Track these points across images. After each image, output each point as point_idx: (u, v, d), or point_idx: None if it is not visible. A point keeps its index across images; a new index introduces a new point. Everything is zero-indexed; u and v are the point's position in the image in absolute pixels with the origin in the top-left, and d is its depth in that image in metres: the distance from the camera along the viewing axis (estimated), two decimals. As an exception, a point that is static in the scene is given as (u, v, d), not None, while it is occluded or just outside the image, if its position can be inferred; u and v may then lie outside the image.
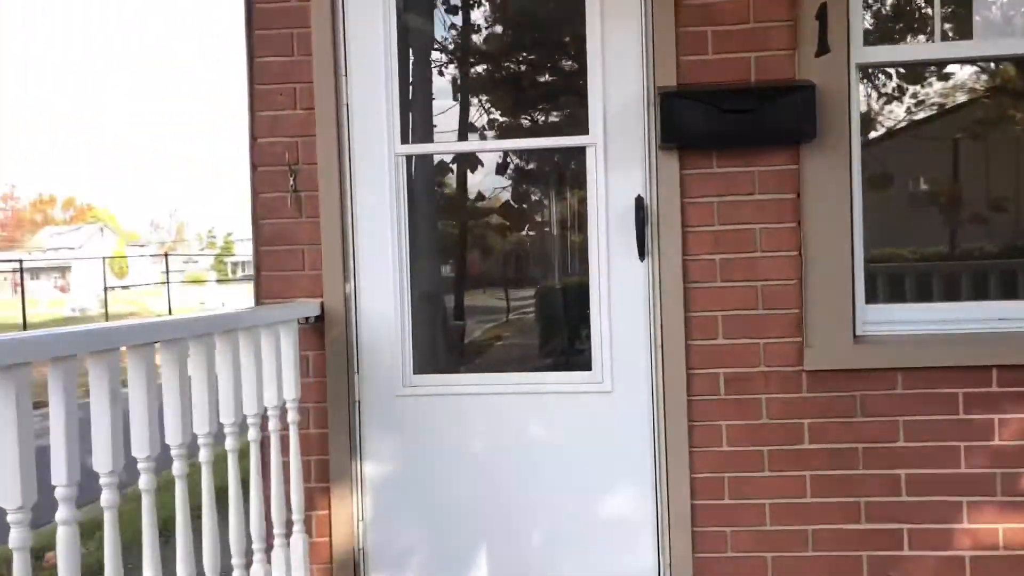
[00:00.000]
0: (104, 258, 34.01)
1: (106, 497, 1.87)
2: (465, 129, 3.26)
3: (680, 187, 2.90)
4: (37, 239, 71.81)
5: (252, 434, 2.56)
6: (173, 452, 2.15)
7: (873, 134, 3.11)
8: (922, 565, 2.86)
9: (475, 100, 3.33)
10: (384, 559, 3.10)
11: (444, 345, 3.38)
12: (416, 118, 3.27)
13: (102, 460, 1.86)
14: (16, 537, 1.59)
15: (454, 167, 3.33)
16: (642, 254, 2.94)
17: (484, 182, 3.28)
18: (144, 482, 2.00)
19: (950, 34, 3.09)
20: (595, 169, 3.00)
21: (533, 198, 3.40)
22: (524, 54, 3.38)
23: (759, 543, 2.91)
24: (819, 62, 2.84)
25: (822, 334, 2.88)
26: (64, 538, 1.72)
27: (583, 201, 3.04)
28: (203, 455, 2.28)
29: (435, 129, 3.30)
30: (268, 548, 2.69)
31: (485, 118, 3.31)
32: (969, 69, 3.14)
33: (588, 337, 3.04)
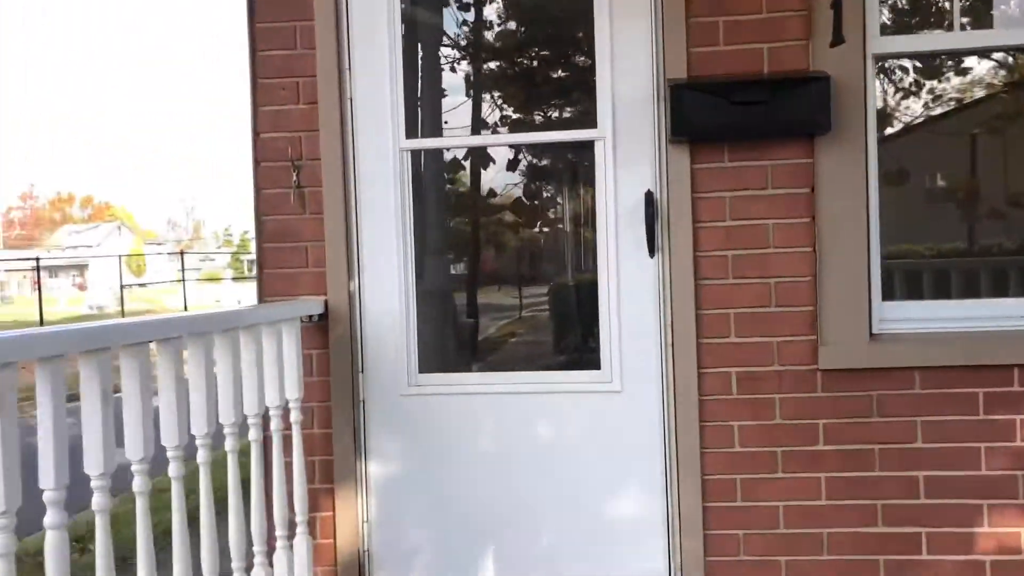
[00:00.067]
0: (120, 256, 34.18)
1: (97, 501, 1.83)
2: (477, 126, 3.20)
3: (691, 182, 2.83)
4: (56, 237, 72.41)
5: (253, 434, 2.52)
6: (169, 454, 2.10)
7: (889, 130, 3.03)
8: (941, 570, 2.79)
9: (485, 96, 3.27)
10: (390, 561, 3.05)
11: (450, 344, 3.32)
12: (425, 113, 3.21)
13: (93, 462, 1.81)
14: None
15: (467, 164, 3.27)
16: (652, 250, 2.88)
17: (496, 179, 3.22)
18: (138, 485, 1.96)
19: (968, 28, 3.00)
20: (604, 164, 2.94)
21: (544, 195, 3.33)
22: (534, 49, 3.32)
23: (772, 547, 2.84)
24: (834, 53, 2.76)
25: (837, 332, 2.80)
26: (53, 543, 1.68)
27: (594, 198, 2.97)
28: (201, 456, 2.24)
29: (446, 125, 3.24)
30: (271, 551, 2.64)
31: (496, 114, 3.25)
32: (987, 64, 3.06)
33: (598, 335, 2.98)
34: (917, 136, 3.16)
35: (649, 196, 2.86)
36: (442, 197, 3.34)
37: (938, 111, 3.11)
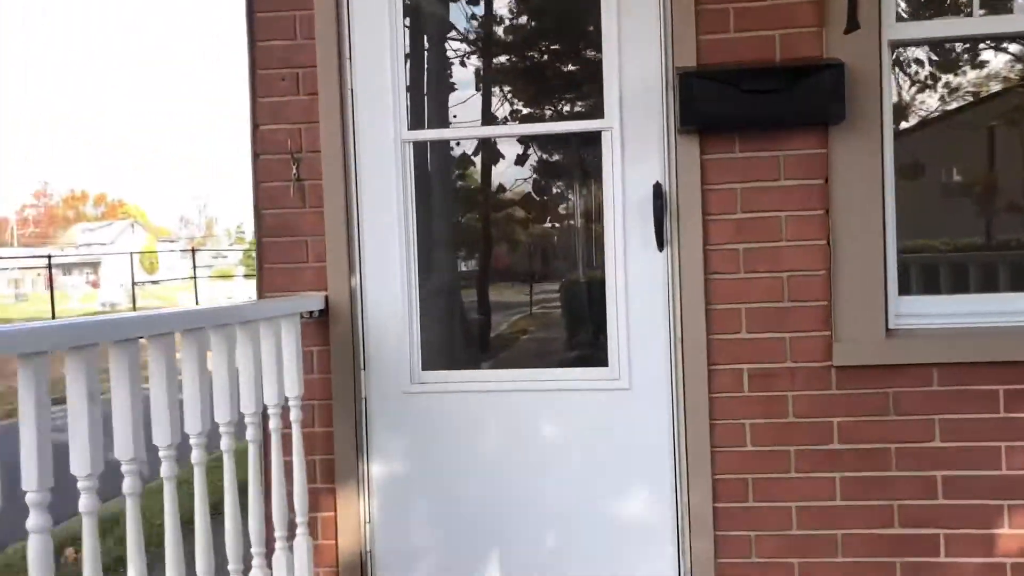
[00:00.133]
0: (132, 253, 34.29)
1: (84, 502, 1.76)
2: (487, 121, 3.12)
3: (701, 173, 2.75)
4: (69, 235, 72.80)
5: (250, 433, 2.46)
6: (161, 453, 2.04)
7: (904, 124, 2.94)
8: (960, 573, 2.70)
9: (494, 90, 3.19)
10: (392, 562, 2.99)
11: (454, 340, 3.25)
12: (431, 106, 3.15)
13: (79, 463, 1.75)
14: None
15: (476, 160, 3.19)
16: (661, 244, 2.80)
17: (505, 174, 3.15)
18: (127, 486, 1.90)
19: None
20: (611, 155, 2.86)
21: (554, 191, 3.26)
22: (543, 42, 3.23)
23: (785, 548, 2.76)
24: (848, 39, 2.68)
25: (852, 327, 2.72)
26: (36, 546, 1.62)
27: (602, 192, 2.90)
28: (195, 456, 2.18)
29: (454, 119, 3.16)
30: (270, 552, 2.59)
31: (505, 109, 3.16)
32: (1003, 57, 2.97)
33: (606, 332, 2.90)
34: (933, 129, 3.07)
35: (658, 188, 2.78)
36: (449, 192, 3.27)
37: (954, 105, 3.02)
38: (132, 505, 1.91)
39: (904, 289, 2.85)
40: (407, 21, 3.00)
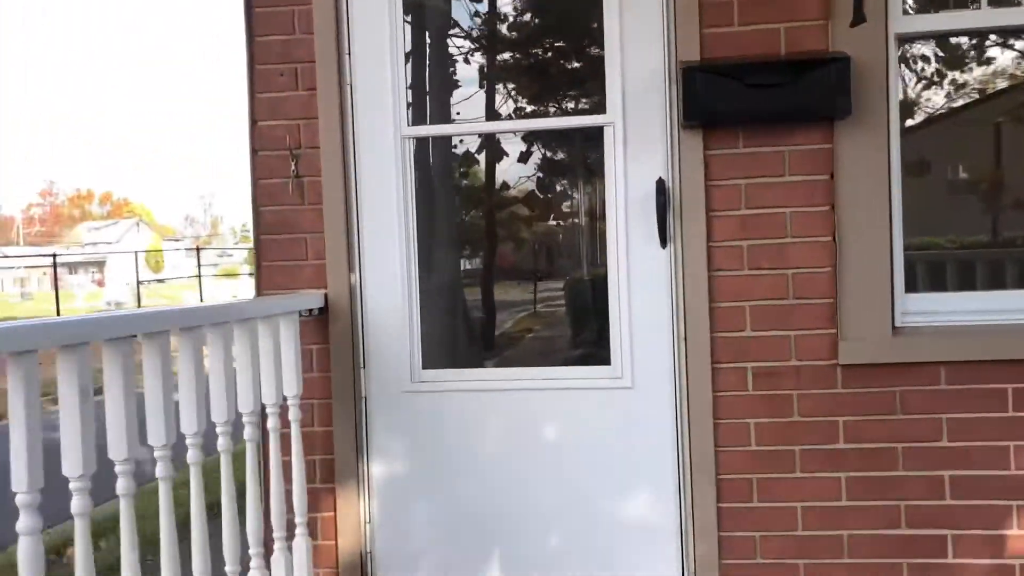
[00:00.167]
0: (137, 252, 34.32)
1: (77, 504, 1.74)
2: (491, 118, 3.08)
3: (704, 169, 2.71)
4: (75, 234, 72.94)
5: (248, 432, 2.43)
6: (156, 453, 2.02)
7: (910, 122, 2.90)
8: (968, 574, 2.66)
9: (497, 87, 3.15)
10: (393, 563, 2.96)
11: (454, 339, 3.21)
12: (433, 103, 3.11)
13: (71, 464, 1.72)
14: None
15: (479, 157, 3.15)
16: (664, 241, 2.76)
17: (509, 172, 3.11)
18: (121, 487, 1.87)
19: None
20: (613, 151, 2.82)
21: (558, 188, 3.22)
22: (545, 37, 3.19)
23: (790, 549, 2.73)
24: (854, 33, 2.63)
25: (858, 325, 2.68)
26: (26, 548, 1.59)
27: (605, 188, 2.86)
28: (191, 456, 2.15)
29: (458, 116, 3.12)
30: (269, 553, 2.56)
31: (509, 106, 3.12)
32: (1011, 54, 2.93)
33: (608, 330, 2.87)
34: (939, 127, 3.03)
35: (660, 184, 2.74)
36: (452, 189, 3.24)
37: (960, 102, 2.98)
38: (126, 506, 1.89)
39: (910, 287, 2.81)
40: (408, 17, 2.97)
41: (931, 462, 2.67)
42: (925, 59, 2.94)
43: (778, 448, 2.73)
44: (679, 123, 2.72)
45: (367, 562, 2.95)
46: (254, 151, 2.93)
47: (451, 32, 3.13)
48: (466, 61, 3.13)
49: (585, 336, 3.09)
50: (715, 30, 2.70)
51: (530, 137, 3.06)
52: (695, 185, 2.72)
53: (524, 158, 3.09)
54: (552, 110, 3.13)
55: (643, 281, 2.82)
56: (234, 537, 2.31)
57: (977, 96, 2.99)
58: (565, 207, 3.24)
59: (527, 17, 3.16)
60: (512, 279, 3.26)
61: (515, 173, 3.11)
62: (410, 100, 2.95)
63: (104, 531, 4.49)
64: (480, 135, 3.09)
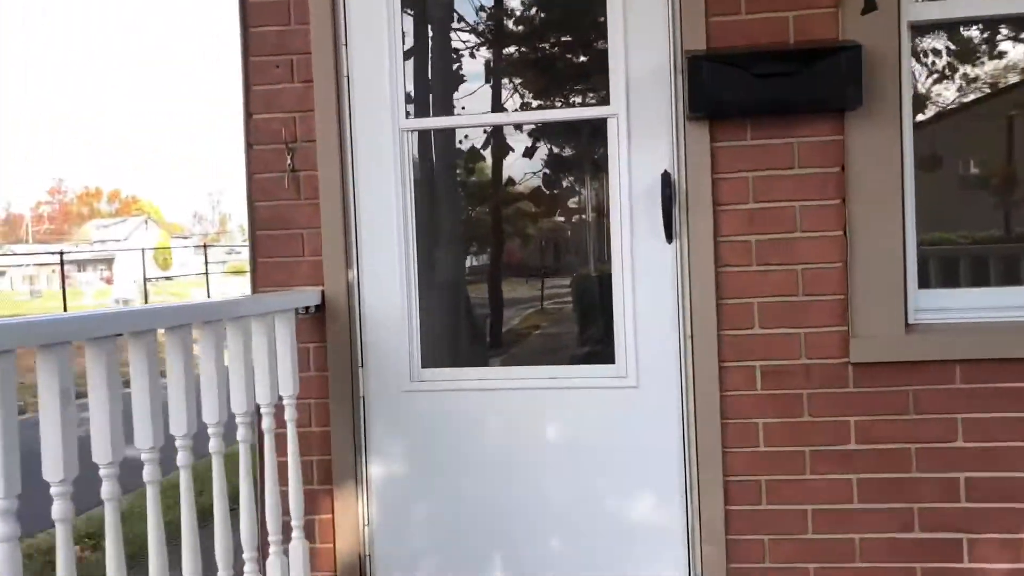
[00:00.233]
0: (144, 250, 34.40)
1: (58, 509, 1.67)
2: (496, 112, 3.00)
3: (711, 161, 2.64)
4: (84, 231, 73.20)
5: (241, 433, 2.37)
6: (143, 456, 1.95)
7: (920, 117, 2.81)
8: (984, 579, 2.59)
9: (500, 80, 3.07)
10: (392, 566, 2.89)
11: (454, 337, 3.14)
12: (436, 97, 3.04)
13: (51, 469, 1.66)
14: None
15: (486, 152, 3.07)
16: (669, 236, 2.69)
17: (514, 167, 3.03)
18: (105, 491, 1.81)
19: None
20: (617, 143, 2.75)
21: (564, 184, 3.14)
22: (551, 31, 3.11)
23: (800, 553, 2.65)
24: (866, 21, 2.55)
25: (870, 322, 2.61)
26: (2, 555, 1.53)
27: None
28: (181, 458, 2.09)
29: (463, 111, 3.04)
30: (264, 557, 2.50)
31: (516, 101, 3.04)
32: (1022, 48, 2.84)
33: (612, 327, 2.79)
34: (950, 121, 2.95)
35: (666, 177, 2.66)
36: (453, 185, 3.17)
37: (971, 96, 2.89)
38: (111, 510, 1.82)
39: (922, 283, 2.73)
40: (409, 10, 2.89)
41: (946, 463, 2.60)
42: (936, 53, 2.87)
43: (787, 449, 2.65)
44: (685, 114, 2.65)
45: (366, 565, 2.88)
46: (249, 145, 2.86)
47: (454, 26, 3.06)
48: (472, 56, 3.05)
49: (592, 333, 3.02)
50: (722, 18, 2.63)
51: (535, 132, 2.98)
52: (701, 178, 2.64)
53: (529, 153, 3.01)
54: (558, 105, 3.05)
55: (648, 277, 2.74)
56: (227, 541, 2.25)
57: (988, 91, 2.91)
58: (572, 203, 3.17)
59: (532, 11, 3.09)
60: (518, 275, 3.19)
61: (521, 169, 3.04)
62: (412, 95, 2.88)
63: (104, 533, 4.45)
64: (485, 131, 3.01)
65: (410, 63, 2.92)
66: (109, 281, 50.35)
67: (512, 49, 3.12)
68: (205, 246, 36.66)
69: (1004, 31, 2.86)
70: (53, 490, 1.67)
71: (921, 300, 2.70)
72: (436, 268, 3.02)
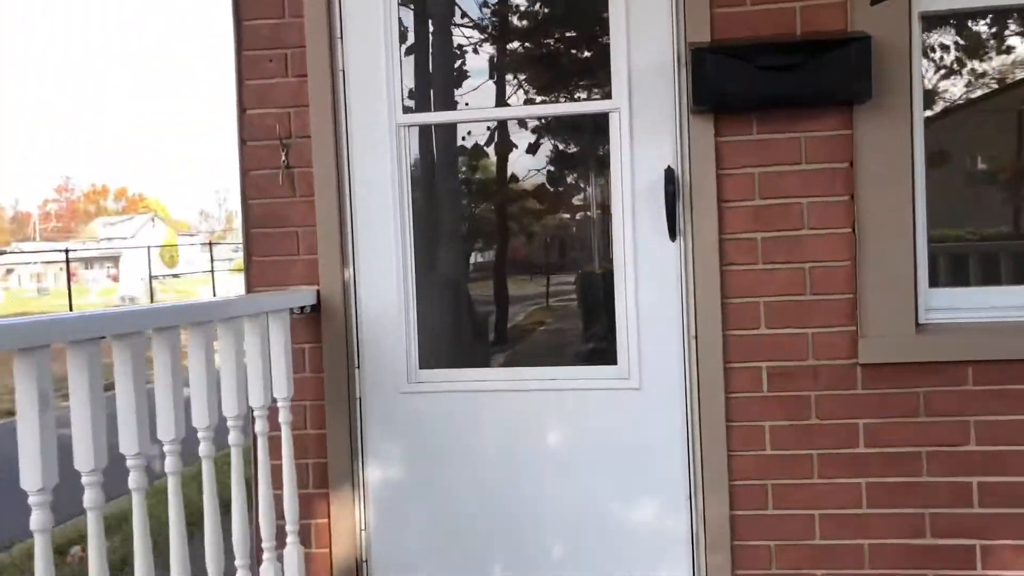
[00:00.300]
0: (150, 247, 34.43)
1: (36, 519, 1.61)
2: (500, 107, 2.93)
3: (715, 156, 2.57)
4: (90, 229, 73.36)
5: (233, 437, 2.31)
6: (129, 463, 1.89)
7: (928, 112, 2.74)
8: (997, 586, 2.52)
9: (503, 76, 2.99)
10: (389, 570, 2.84)
11: (453, 338, 3.07)
12: (438, 92, 2.97)
13: (28, 478, 1.60)
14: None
15: (489, 150, 3.00)
16: (673, 233, 2.62)
17: (518, 164, 2.96)
18: (88, 500, 1.75)
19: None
20: (619, 138, 2.68)
21: (568, 180, 3.07)
22: (554, 26, 3.03)
23: (808, 559, 2.59)
24: (875, 11, 2.49)
25: (879, 322, 2.54)
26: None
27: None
28: (169, 464, 2.03)
29: (466, 107, 2.97)
30: (258, 564, 2.44)
31: (520, 98, 2.97)
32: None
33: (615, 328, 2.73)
34: (959, 116, 2.87)
35: (669, 173, 2.59)
36: (453, 181, 3.10)
37: (980, 92, 2.82)
38: (94, 519, 1.76)
39: (933, 281, 2.66)
40: (409, 4, 2.83)
41: (958, 467, 2.53)
42: (944, 48, 2.79)
43: (795, 452, 2.59)
44: (689, 108, 2.58)
45: (363, 570, 2.83)
46: (243, 141, 2.81)
47: (456, 21, 2.99)
48: (474, 51, 2.98)
49: (596, 330, 2.95)
50: (726, 9, 2.56)
51: (539, 129, 2.92)
52: (706, 174, 2.57)
53: (533, 150, 2.95)
54: (562, 101, 2.98)
55: (651, 276, 2.68)
56: (217, 547, 2.19)
57: (996, 86, 2.84)
58: (576, 200, 3.10)
59: (536, 6, 3.01)
60: (523, 273, 3.12)
61: (524, 166, 2.97)
62: (413, 91, 2.82)
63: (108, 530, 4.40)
64: (488, 128, 2.94)
65: (410, 59, 2.86)
66: (115, 279, 50.44)
67: (515, 44, 3.04)
68: (211, 243, 36.67)
69: (1013, 26, 2.79)
70: (31, 500, 1.61)
71: (932, 299, 2.63)
72: (436, 266, 2.95)
